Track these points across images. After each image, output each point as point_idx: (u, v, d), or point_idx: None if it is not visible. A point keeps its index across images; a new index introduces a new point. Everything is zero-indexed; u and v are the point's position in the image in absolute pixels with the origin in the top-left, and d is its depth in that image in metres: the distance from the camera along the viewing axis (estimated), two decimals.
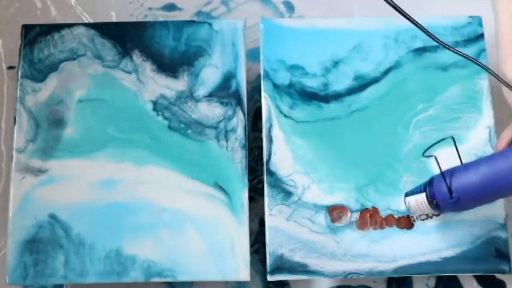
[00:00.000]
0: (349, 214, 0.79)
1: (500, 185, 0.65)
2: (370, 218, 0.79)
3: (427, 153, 0.69)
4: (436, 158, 0.69)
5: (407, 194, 0.74)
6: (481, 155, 0.81)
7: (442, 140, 0.70)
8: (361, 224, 0.79)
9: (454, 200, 0.68)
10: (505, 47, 0.62)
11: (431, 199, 0.70)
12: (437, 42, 0.72)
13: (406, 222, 0.78)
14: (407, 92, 0.83)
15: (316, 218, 0.79)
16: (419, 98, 0.83)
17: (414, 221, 0.78)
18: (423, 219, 0.78)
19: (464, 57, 0.74)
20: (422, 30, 0.70)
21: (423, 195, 0.71)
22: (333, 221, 0.79)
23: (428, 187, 0.71)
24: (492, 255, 0.78)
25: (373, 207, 0.79)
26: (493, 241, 0.78)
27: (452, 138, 0.70)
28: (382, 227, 0.78)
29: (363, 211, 0.79)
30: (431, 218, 0.78)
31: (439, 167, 0.69)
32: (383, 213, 0.79)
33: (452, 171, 0.69)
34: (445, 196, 0.69)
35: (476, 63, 0.73)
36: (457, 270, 0.78)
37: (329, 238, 0.78)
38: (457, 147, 0.71)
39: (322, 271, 0.77)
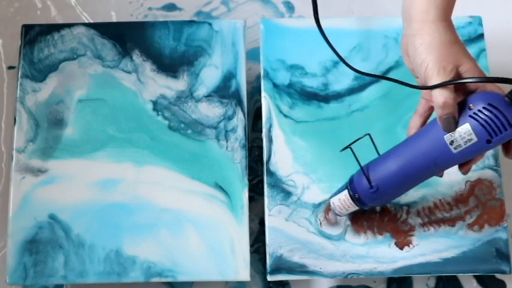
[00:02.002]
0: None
1: (414, 166, 0.66)
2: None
3: (344, 152, 0.71)
4: (353, 151, 0.70)
5: (331, 197, 0.75)
6: None
7: (359, 138, 0.71)
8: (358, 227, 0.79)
9: (374, 190, 0.69)
10: (417, 22, 0.64)
11: (353, 194, 0.71)
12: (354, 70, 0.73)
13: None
14: (407, 92, 0.83)
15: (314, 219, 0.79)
16: (419, 98, 0.83)
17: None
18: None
19: (371, 75, 0.74)
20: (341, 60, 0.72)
21: (345, 192, 0.73)
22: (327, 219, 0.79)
23: (349, 184, 0.72)
24: (492, 255, 0.78)
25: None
26: (493, 241, 0.78)
27: (369, 135, 0.71)
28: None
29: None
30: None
31: (357, 160, 0.70)
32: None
33: (369, 164, 0.70)
34: (365, 187, 0.69)
35: (385, 79, 0.74)
36: (457, 270, 0.78)
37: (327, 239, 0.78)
38: (374, 142, 0.71)
39: (321, 271, 0.77)
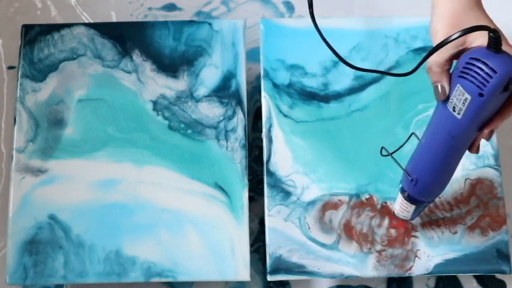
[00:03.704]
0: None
1: (436, 146, 0.65)
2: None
3: (393, 155, 0.70)
4: (392, 156, 0.70)
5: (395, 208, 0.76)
6: (480, 155, 0.81)
7: (408, 139, 0.71)
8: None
9: (415, 182, 0.69)
10: (447, 25, 0.63)
11: (403, 193, 0.72)
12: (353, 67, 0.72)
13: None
14: (407, 92, 0.83)
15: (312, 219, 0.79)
16: (419, 98, 0.83)
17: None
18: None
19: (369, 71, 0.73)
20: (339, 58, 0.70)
21: (399, 195, 0.73)
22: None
23: (400, 187, 0.73)
24: (493, 255, 0.78)
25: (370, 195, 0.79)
26: (494, 242, 0.78)
27: (415, 134, 0.71)
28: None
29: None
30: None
31: (396, 161, 0.70)
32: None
33: (408, 161, 0.70)
34: (409, 183, 0.69)
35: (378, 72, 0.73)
36: (457, 270, 0.78)
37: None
38: (418, 138, 0.71)
39: (320, 272, 0.77)
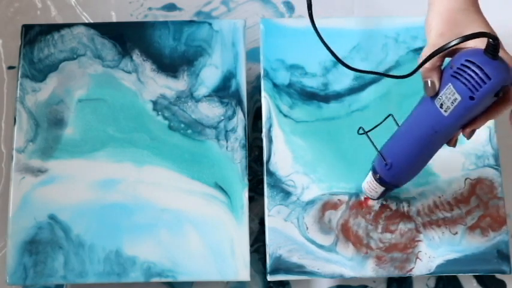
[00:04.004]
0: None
1: (417, 137, 0.65)
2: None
3: (366, 135, 0.70)
4: (367, 135, 0.70)
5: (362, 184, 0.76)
6: (480, 155, 0.81)
7: (384, 120, 0.71)
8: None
9: (389, 167, 0.69)
10: (442, 22, 0.63)
11: (374, 174, 0.72)
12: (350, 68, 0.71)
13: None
14: (407, 92, 0.83)
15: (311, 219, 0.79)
16: (419, 98, 0.83)
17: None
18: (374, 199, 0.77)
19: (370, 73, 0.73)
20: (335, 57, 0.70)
21: (370, 174, 0.73)
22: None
23: (372, 167, 0.73)
24: (493, 255, 0.78)
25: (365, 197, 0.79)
26: (494, 242, 0.78)
27: (392, 116, 0.71)
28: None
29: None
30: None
31: (372, 142, 0.70)
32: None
33: (384, 145, 0.70)
34: (383, 166, 0.70)
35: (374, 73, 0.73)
36: (457, 270, 0.78)
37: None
38: (396, 120, 0.71)
39: (319, 272, 0.77)
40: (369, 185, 0.74)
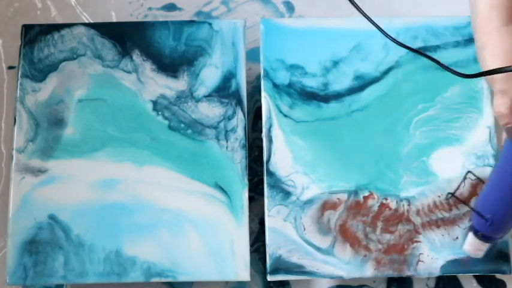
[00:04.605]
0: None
1: (509, 185, 0.64)
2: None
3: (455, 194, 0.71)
4: (456, 196, 0.69)
5: (463, 247, 0.75)
6: (480, 155, 0.81)
7: (465, 177, 0.72)
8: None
9: (490, 223, 0.68)
10: (483, 34, 0.60)
11: (476, 234, 0.71)
12: (402, 45, 0.70)
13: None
14: (407, 92, 0.83)
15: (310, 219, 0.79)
16: (419, 98, 0.83)
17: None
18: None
19: (412, 50, 0.71)
20: (382, 32, 0.68)
21: (470, 234, 0.72)
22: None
23: (470, 227, 0.72)
24: (493, 255, 0.78)
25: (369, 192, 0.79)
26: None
27: (471, 172, 0.71)
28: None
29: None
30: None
31: (464, 202, 0.70)
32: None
33: (477, 201, 0.70)
34: (483, 224, 0.69)
35: (423, 55, 0.71)
36: (457, 270, 0.78)
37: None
38: (477, 176, 0.70)
39: (319, 272, 0.77)
40: (474, 247, 0.72)
